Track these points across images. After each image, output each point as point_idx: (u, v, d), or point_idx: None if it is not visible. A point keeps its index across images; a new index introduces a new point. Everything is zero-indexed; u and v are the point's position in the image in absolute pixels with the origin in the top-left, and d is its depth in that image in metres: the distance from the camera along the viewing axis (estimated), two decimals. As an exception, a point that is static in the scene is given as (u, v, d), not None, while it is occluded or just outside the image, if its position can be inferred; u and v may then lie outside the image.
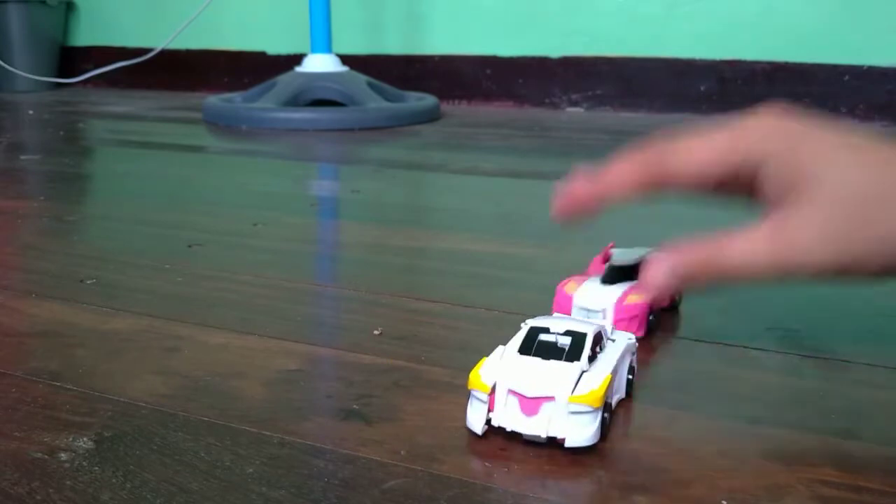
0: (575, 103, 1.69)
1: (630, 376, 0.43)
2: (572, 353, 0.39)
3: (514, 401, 0.38)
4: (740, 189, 0.42)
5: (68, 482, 0.35)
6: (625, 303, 0.49)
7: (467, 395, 0.39)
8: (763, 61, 1.54)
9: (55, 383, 0.44)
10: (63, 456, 0.37)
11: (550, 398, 0.37)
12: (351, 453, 0.37)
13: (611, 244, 0.55)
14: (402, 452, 0.37)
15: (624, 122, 1.54)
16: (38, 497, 0.34)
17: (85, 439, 0.38)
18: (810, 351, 0.49)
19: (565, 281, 0.52)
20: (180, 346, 0.49)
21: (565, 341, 0.40)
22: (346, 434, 0.39)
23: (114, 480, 0.35)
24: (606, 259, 0.54)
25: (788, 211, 0.38)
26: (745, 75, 1.55)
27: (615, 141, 1.32)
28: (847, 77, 1.48)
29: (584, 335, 0.40)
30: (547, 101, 1.71)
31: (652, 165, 0.42)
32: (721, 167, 0.41)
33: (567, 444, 0.37)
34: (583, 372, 0.38)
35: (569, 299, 0.51)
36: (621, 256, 0.53)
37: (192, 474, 0.36)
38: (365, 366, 0.46)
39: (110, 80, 2.02)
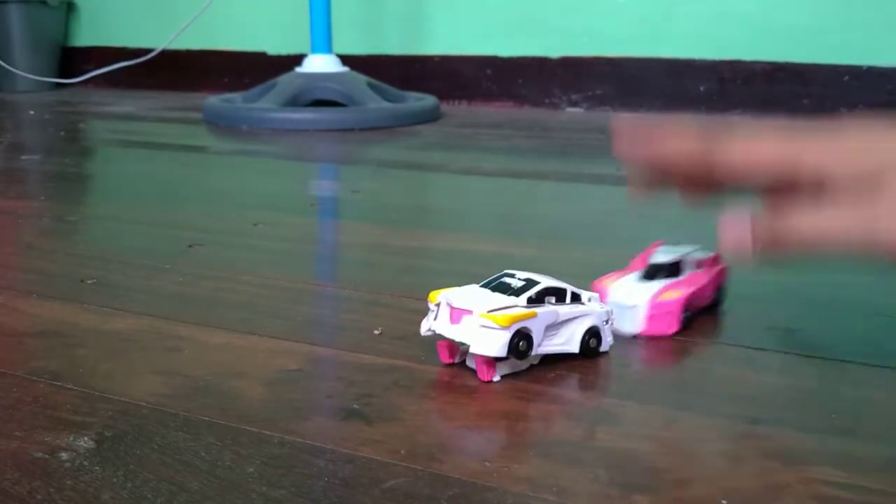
0: (575, 103, 1.69)
1: (591, 339, 0.47)
2: (516, 293, 0.45)
3: (446, 311, 0.45)
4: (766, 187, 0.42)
5: (69, 482, 0.35)
6: (659, 299, 0.50)
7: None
8: (763, 61, 1.54)
9: (56, 383, 0.44)
10: (64, 455, 0.37)
11: (469, 312, 0.44)
12: (351, 453, 0.37)
13: (660, 241, 0.55)
14: (402, 452, 0.37)
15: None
16: (39, 496, 0.34)
17: (86, 439, 0.38)
18: (810, 351, 0.49)
19: (606, 276, 0.53)
20: (181, 346, 0.49)
21: (519, 284, 0.46)
22: (346, 434, 0.39)
23: (114, 480, 0.35)
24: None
25: (872, 196, 0.39)
26: (744, 75, 1.55)
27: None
28: (847, 77, 1.48)
29: (536, 283, 0.46)
30: (547, 101, 1.71)
31: (707, 148, 0.42)
32: (769, 177, 0.42)
33: (472, 350, 0.44)
34: (514, 305, 0.44)
35: (604, 293, 0.52)
36: (663, 254, 0.53)
37: (193, 474, 0.36)
38: (365, 366, 0.46)
39: (111, 81, 2.02)
